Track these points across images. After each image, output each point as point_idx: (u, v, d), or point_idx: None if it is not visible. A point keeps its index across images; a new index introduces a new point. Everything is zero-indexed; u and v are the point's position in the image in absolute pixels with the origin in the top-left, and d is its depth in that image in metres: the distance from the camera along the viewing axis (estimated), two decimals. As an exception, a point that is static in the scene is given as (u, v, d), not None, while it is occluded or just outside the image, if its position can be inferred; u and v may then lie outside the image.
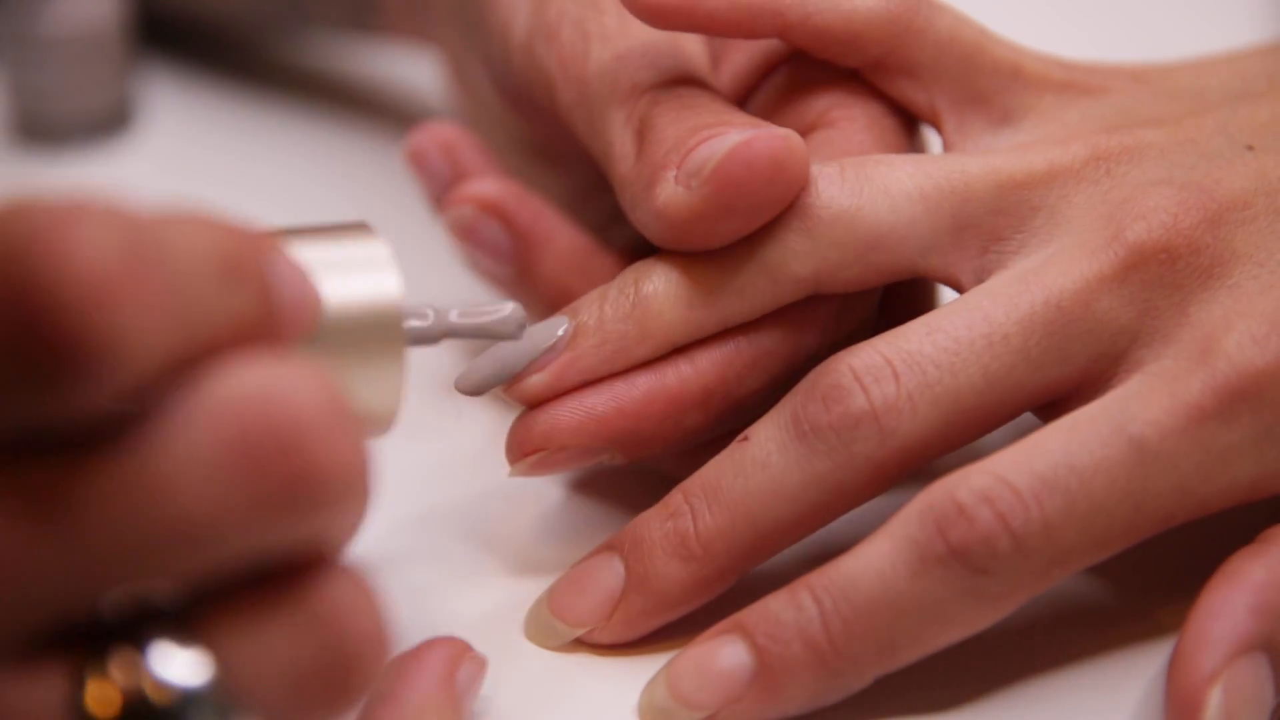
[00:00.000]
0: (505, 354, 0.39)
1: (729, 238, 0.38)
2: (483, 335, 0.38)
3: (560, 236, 0.44)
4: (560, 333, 0.39)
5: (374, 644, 0.29)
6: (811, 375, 0.38)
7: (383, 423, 0.34)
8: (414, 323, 0.36)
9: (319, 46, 0.63)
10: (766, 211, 0.38)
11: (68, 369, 0.26)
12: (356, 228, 0.34)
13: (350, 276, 0.33)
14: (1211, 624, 0.35)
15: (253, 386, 0.28)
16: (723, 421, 0.39)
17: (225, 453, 0.27)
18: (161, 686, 0.27)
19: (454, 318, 0.37)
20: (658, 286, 0.39)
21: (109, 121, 0.59)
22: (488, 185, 0.44)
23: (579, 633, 0.39)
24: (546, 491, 0.44)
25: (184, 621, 0.28)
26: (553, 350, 0.39)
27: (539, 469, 0.39)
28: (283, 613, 0.28)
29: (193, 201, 0.29)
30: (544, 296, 0.43)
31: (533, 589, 0.40)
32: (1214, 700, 0.35)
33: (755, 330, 0.39)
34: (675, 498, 0.38)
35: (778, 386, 0.39)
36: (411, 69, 0.61)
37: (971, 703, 0.37)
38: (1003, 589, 0.35)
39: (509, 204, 0.44)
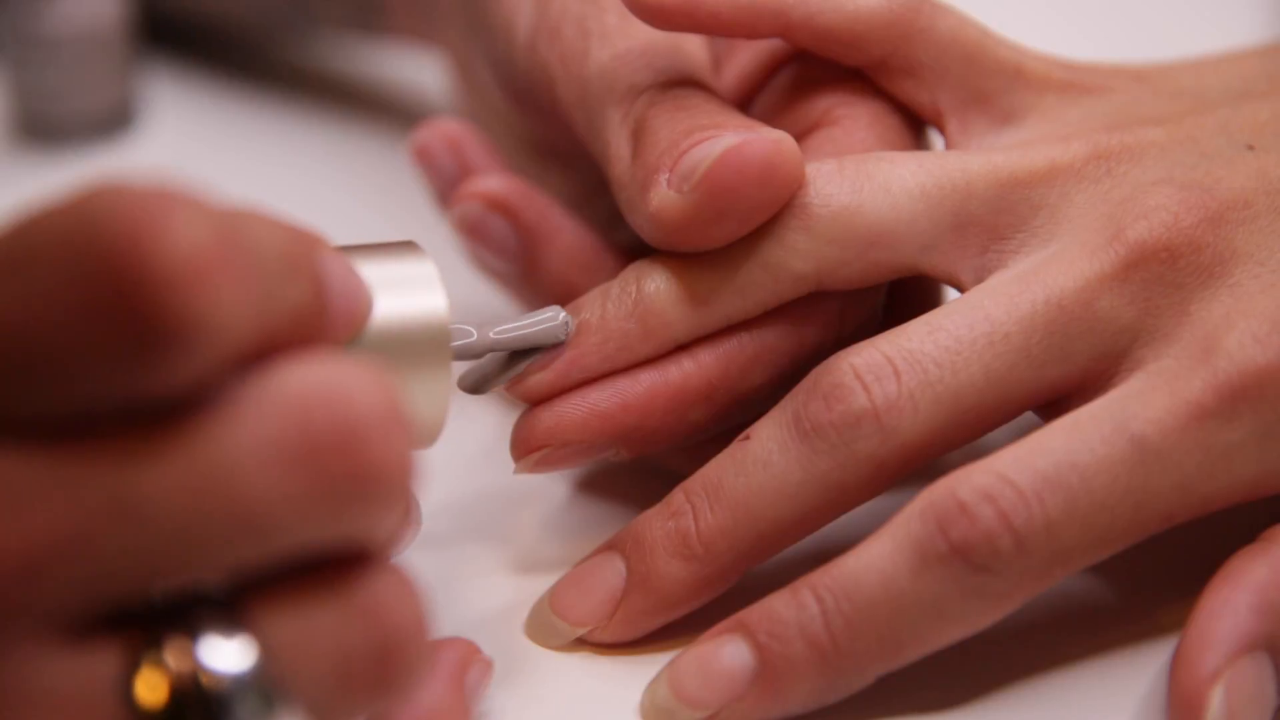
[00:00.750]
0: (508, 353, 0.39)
1: (723, 240, 0.39)
2: (526, 345, 0.39)
3: (565, 233, 0.44)
4: (565, 330, 0.39)
5: (417, 638, 0.30)
6: (813, 374, 0.38)
7: (429, 434, 0.35)
8: (460, 340, 0.38)
9: (323, 46, 0.63)
10: (759, 215, 0.38)
11: (160, 342, 0.27)
12: (404, 246, 0.35)
13: (398, 293, 0.34)
14: (1214, 623, 0.35)
15: (319, 381, 0.29)
16: (727, 417, 0.40)
17: (289, 444, 0.28)
18: (210, 674, 0.28)
19: (495, 335, 0.38)
20: (659, 285, 0.39)
21: (112, 121, 0.60)
22: (494, 181, 0.44)
23: (581, 632, 0.39)
24: (548, 491, 0.44)
25: (233, 608, 0.28)
26: (556, 348, 0.39)
27: (544, 465, 0.39)
28: (329, 603, 0.29)
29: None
30: (549, 293, 0.43)
31: (535, 588, 0.40)
32: (1216, 699, 0.35)
33: (758, 326, 0.39)
34: (676, 497, 0.38)
35: (782, 382, 0.39)
36: (416, 69, 0.61)
37: (973, 702, 0.37)
38: (1004, 587, 0.35)
39: (515, 200, 0.44)
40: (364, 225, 0.55)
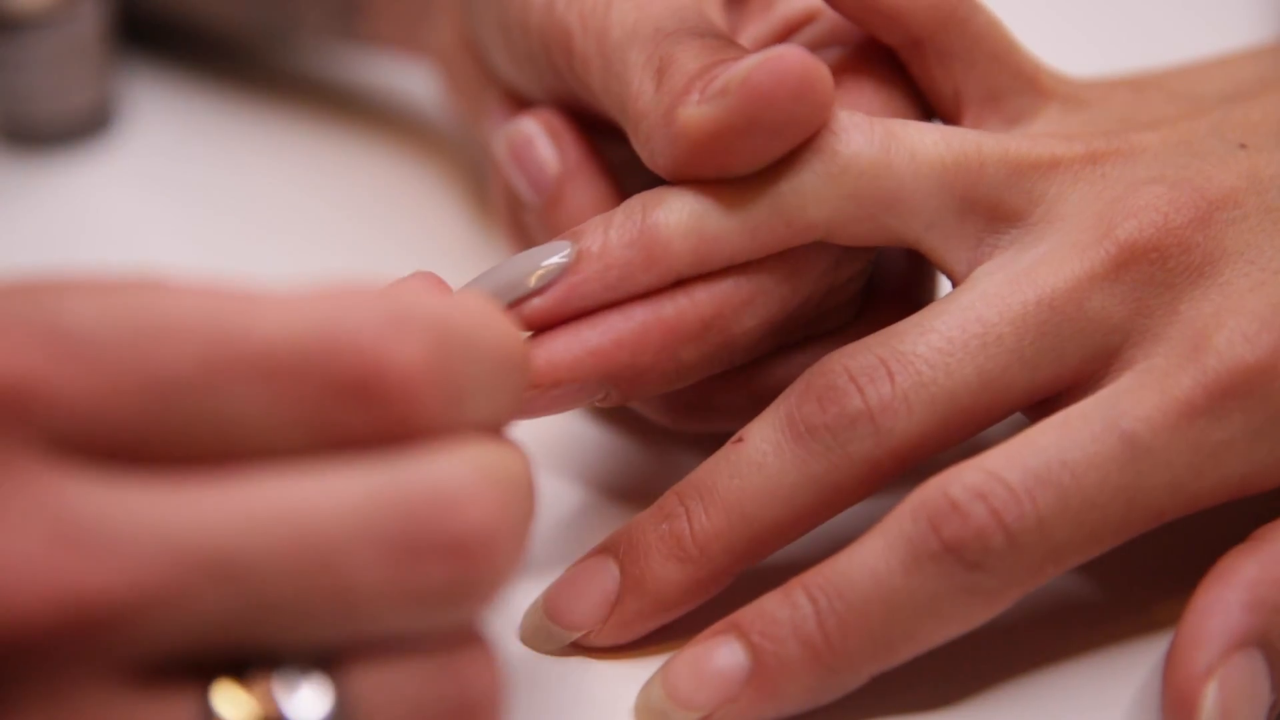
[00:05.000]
0: (505, 275, 0.39)
1: (746, 162, 0.39)
2: (527, 273, 0.40)
3: (600, 175, 0.45)
4: (564, 256, 0.39)
5: (492, 712, 0.31)
6: (805, 376, 0.39)
7: None
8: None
9: (305, 49, 0.63)
10: (790, 133, 0.38)
11: (371, 434, 0.30)
12: None
13: None
14: (1206, 620, 0.36)
15: (438, 481, 0.31)
16: (716, 361, 0.40)
17: (395, 540, 0.30)
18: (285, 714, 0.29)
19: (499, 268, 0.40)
20: (669, 216, 0.39)
21: (90, 122, 0.60)
22: (546, 112, 0.45)
23: (575, 636, 0.40)
24: (543, 492, 0.43)
25: (317, 655, 0.30)
26: (555, 274, 0.39)
27: (534, 410, 0.39)
28: (413, 665, 0.31)
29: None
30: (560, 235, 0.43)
31: (528, 593, 0.41)
32: (1210, 696, 0.36)
33: (754, 270, 0.39)
34: (670, 500, 0.39)
35: (771, 329, 0.40)
36: (401, 73, 0.61)
37: (968, 700, 0.38)
38: (997, 585, 0.36)
39: (566, 128, 0.45)
40: (341, 226, 0.56)
